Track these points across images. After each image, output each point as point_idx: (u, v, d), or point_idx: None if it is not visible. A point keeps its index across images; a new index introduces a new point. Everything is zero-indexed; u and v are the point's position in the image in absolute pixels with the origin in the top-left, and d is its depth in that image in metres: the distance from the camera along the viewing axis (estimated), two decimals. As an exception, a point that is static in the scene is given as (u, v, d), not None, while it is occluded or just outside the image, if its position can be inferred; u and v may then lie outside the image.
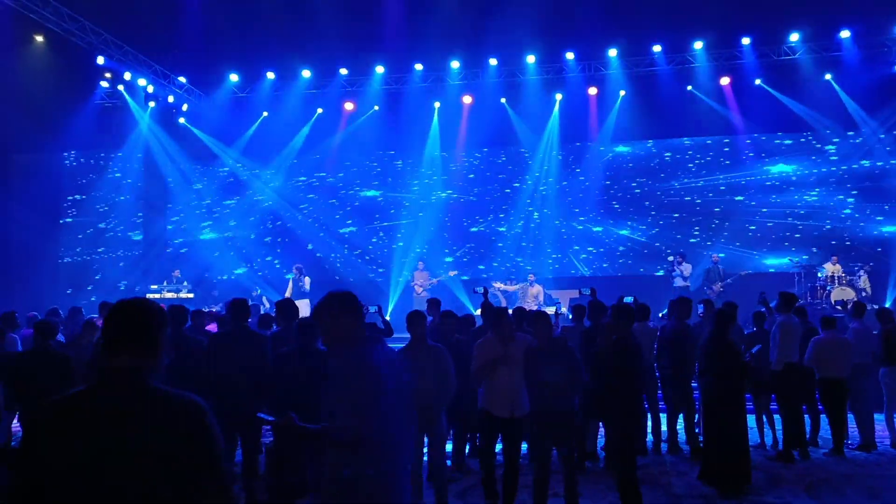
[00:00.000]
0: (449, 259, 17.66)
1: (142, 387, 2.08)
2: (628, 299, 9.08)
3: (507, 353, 5.52)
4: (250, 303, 7.13)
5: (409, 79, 17.20)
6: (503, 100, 17.29)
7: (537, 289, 14.35)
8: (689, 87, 16.67)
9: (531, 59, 16.44)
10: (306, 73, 17.07)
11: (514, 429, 5.58)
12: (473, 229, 18.15)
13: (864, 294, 13.84)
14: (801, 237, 16.73)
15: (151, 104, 17.23)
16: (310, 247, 18.38)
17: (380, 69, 17.00)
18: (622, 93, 16.91)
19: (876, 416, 8.23)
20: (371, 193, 18.83)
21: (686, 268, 14.55)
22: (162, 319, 2.23)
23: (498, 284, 15.57)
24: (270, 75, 17.12)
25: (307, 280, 15.44)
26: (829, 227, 16.63)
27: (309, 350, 5.52)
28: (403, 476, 3.18)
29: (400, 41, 15.42)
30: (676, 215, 17.36)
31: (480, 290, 7.91)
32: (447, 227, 18.13)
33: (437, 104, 17.61)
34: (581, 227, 17.79)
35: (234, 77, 17.25)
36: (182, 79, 17.13)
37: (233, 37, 15.12)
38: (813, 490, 6.48)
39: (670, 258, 15.17)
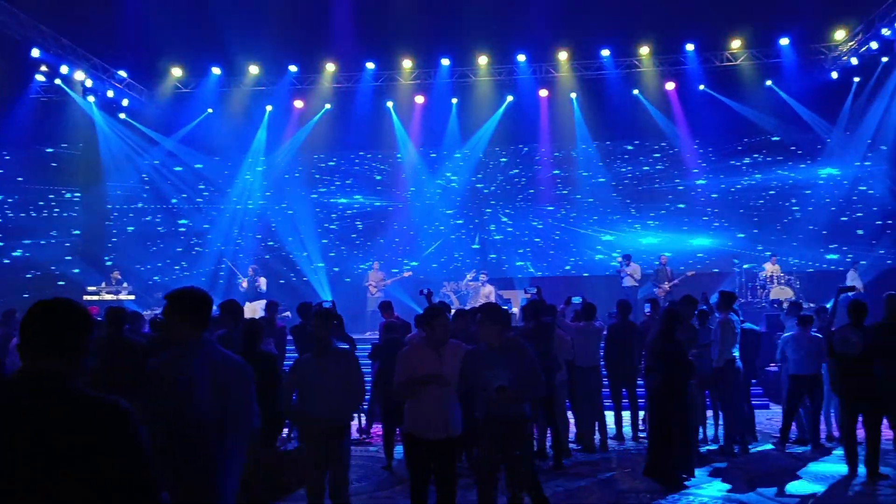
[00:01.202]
0: (417, 262, 17.57)
1: (62, 390, 2.01)
2: (576, 299, 9.23)
3: (440, 362, 4.67)
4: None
5: (361, 77, 17.08)
6: (454, 100, 17.31)
7: (489, 289, 14.41)
8: (635, 91, 16.98)
9: (483, 60, 16.52)
10: (254, 70, 16.77)
11: (450, 452, 4.75)
12: (430, 229, 18.11)
13: (857, 290, 13.94)
14: (745, 237, 17.27)
15: (91, 99, 16.67)
16: (269, 252, 18.09)
17: (331, 67, 16.83)
18: (573, 95, 17.15)
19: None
20: (325, 192, 18.64)
21: (634, 268, 14.82)
22: (85, 322, 2.14)
23: (450, 285, 15.63)
24: (216, 71, 16.76)
25: (263, 280, 15.22)
26: (778, 227, 17.17)
27: (254, 352, 5.41)
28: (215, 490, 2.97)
29: (351, 39, 15.30)
30: (631, 211, 17.68)
31: (425, 291, 7.88)
32: (403, 227, 18.09)
33: (390, 103, 17.51)
34: (534, 227, 17.95)
35: (177, 72, 16.82)
36: (122, 73, 16.62)
37: (176, 31, 14.74)
38: (752, 482, 6.66)
39: (619, 259, 15.43)
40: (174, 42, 15.36)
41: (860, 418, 6.69)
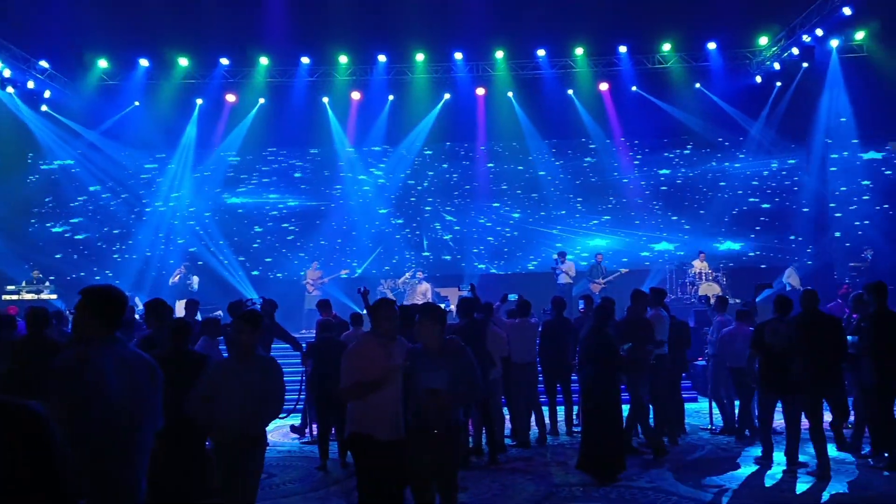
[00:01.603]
0: (356, 262, 17.34)
1: None
2: (512, 296, 9.29)
3: (391, 358, 4.36)
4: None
5: (296, 72, 16.80)
6: (391, 97, 17.22)
7: (425, 286, 14.39)
8: (570, 92, 17.26)
9: (420, 57, 16.49)
10: (183, 62, 16.28)
11: (401, 454, 4.36)
12: (371, 229, 17.96)
13: (788, 288, 14.51)
14: (678, 235, 17.76)
15: (10, 90, 15.87)
16: (193, 249, 17.59)
17: (264, 61, 16.49)
18: (510, 94, 17.30)
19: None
20: (258, 189, 18.24)
21: (569, 266, 15.04)
22: None
23: (387, 283, 15.53)
24: (144, 62, 16.21)
25: (195, 279, 14.80)
26: (708, 224, 17.72)
27: (182, 352, 5.22)
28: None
29: (285, 32, 15.04)
30: (577, 207, 17.91)
31: (361, 290, 7.78)
32: (343, 226, 17.88)
33: (325, 99, 17.27)
34: (471, 225, 18.03)
35: (102, 63, 16.19)
36: (44, 63, 15.89)
37: (102, 21, 14.20)
38: (680, 472, 6.84)
39: (554, 256, 15.64)
40: (99, 33, 14.84)
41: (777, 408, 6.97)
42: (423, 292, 14.05)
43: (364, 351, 4.39)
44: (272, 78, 16.97)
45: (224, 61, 16.51)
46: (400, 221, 18.12)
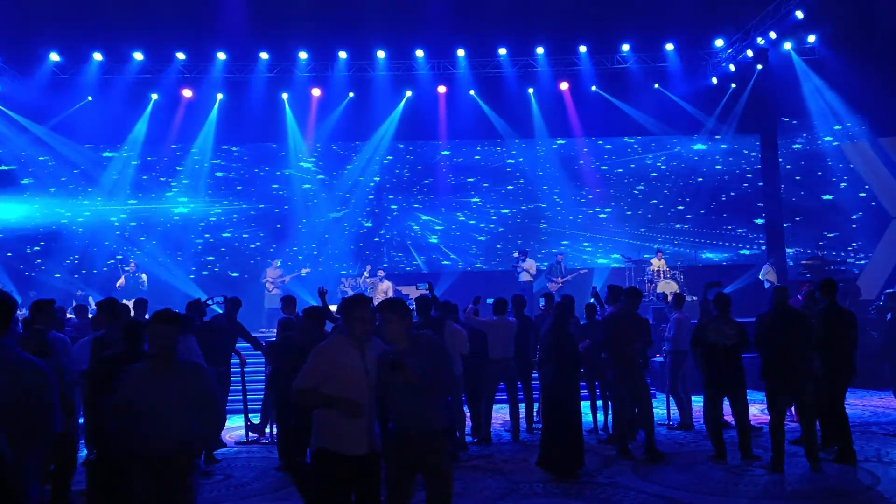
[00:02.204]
0: (340, 261, 17.15)
1: None
2: (490, 300, 9.29)
3: (364, 361, 3.89)
4: (74, 303, 6.52)
5: (254, 67, 16.55)
6: (351, 94, 17.08)
7: (386, 285, 14.32)
8: (531, 91, 17.36)
9: (381, 54, 16.40)
10: (139, 56, 15.91)
11: (375, 470, 3.95)
12: (339, 226, 17.74)
13: (767, 286, 14.69)
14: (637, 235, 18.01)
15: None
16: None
17: (221, 55, 16.21)
18: (472, 92, 17.31)
19: (694, 397, 8.93)
20: (216, 185, 17.92)
21: (530, 264, 15.15)
22: None
23: (348, 281, 15.42)
24: (97, 56, 15.79)
25: (144, 277, 14.49)
26: (670, 224, 18.00)
27: (137, 353, 5.09)
28: None
29: (243, 26, 14.79)
30: (524, 208, 18.02)
31: (321, 290, 7.70)
32: (301, 222, 17.67)
33: (284, 95, 17.05)
34: (429, 223, 17.99)
35: (54, 56, 15.72)
36: (-8, 56, 15.38)
37: (54, 12, 13.79)
38: (638, 469, 6.93)
39: (515, 255, 15.72)
40: (52, 25, 14.38)
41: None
42: (384, 290, 13.99)
43: (336, 351, 3.90)
44: (230, 73, 16.69)
45: (180, 55, 16.18)
46: (369, 224, 17.90)
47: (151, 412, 3.78)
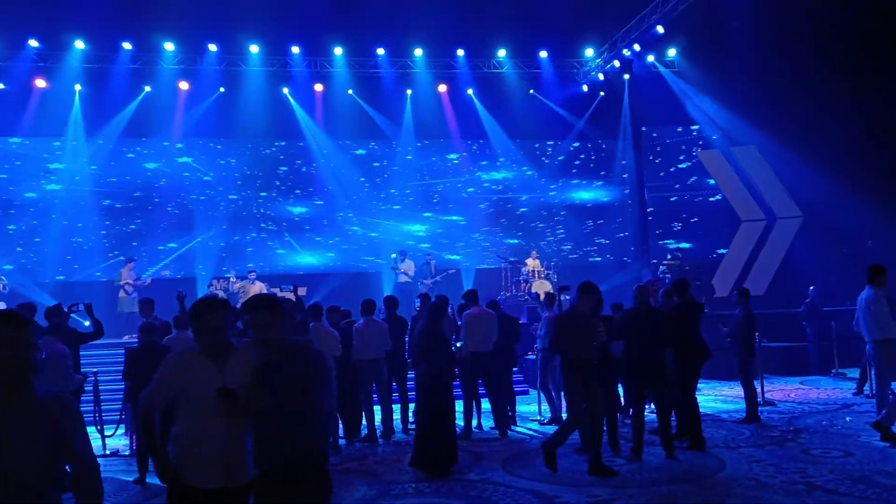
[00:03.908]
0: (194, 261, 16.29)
1: None
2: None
3: (223, 377, 3.24)
4: None
5: (116, 58, 15.58)
6: (222, 89, 16.45)
7: (259, 286, 13.83)
8: (409, 91, 17.40)
9: (254, 49, 15.90)
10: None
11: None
12: (211, 225, 16.98)
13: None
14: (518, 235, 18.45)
15: None
16: None
17: (79, 44, 15.15)
18: (349, 91, 17.13)
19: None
20: (74, 183, 16.68)
21: (408, 265, 15.17)
22: None
23: (218, 283, 14.77)
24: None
25: (4, 280, 13.28)
26: (540, 226, 18.53)
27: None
28: None
29: (104, 13, 13.90)
30: (397, 207, 18.01)
31: (179, 293, 7.32)
32: (163, 221, 16.78)
33: (148, 88, 16.14)
34: (302, 222, 17.64)
35: None
36: None
37: None
38: (508, 464, 7.07)
39: (393, 255, 15.69)
40: None
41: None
42: (257, 292, 13.51)
43: (185, 366, 3.31)
44: (90, 63, 15.62)
45: (33, 43, 14.98)
46: (254, 235, 17.25)
47: None
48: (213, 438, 3.19)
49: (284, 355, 3.35)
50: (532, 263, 16.12)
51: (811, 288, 13.20)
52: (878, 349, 7.55)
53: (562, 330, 6.62)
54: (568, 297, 8.88)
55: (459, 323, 9.13)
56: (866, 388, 10.20)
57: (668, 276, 15.01)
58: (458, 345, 8.66)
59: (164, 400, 3.32)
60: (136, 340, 8.07)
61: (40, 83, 15.52)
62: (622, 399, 8.23)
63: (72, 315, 8.18)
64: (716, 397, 10.65)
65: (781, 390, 11.16)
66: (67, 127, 16.07)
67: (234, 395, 3.14)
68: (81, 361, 7.90)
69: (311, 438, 3.35)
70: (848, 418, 8.67)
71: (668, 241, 18.25)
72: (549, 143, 18.80)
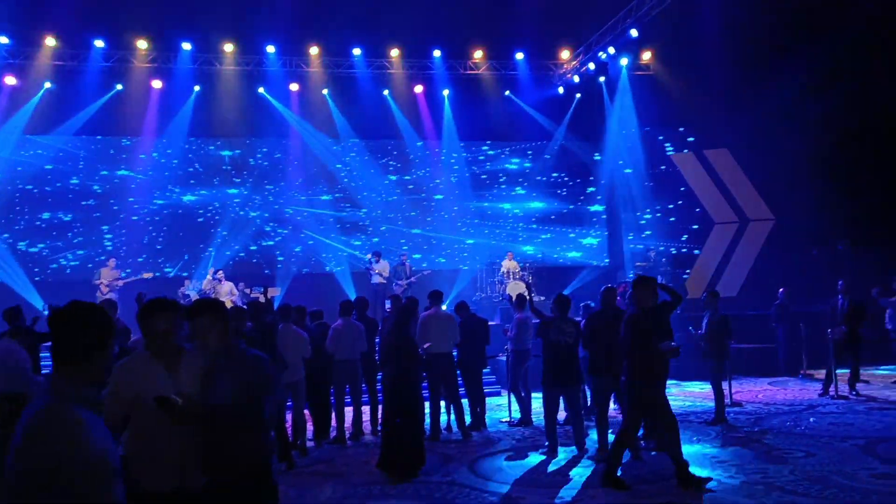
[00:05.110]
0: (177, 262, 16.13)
1: None
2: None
3: (175, 381, 3.22)
4: None
5: (88, 56, 15.40)
6: (196, 88, 16.31)
7: (228, 286, 13.70)
8: (385, 92, 17.37)
9: (229, 47, 15.79)
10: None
11: None
12: (158, 220, 16.81)
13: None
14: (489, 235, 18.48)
15: None
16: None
17: (51, 41, 14.94)
18: (325, 91, 17.06)
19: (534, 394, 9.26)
20: (45, 180, 16.45)
21: (383, 265, 15.12)
22: None
23: (190, 283, 14.66)
24: None
25: None
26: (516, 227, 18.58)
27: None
28: None
29: (76, 11, 13.72)
30: (362, 210, 17.96)
31: (139, 296, 7.24)
32: (133, 219, 16.61)
33: (119, 86, 15.95)
34: (276, 223, 17.54)
35: None
36: None
37: None
38: (475, 465, 7.09)
39: (368, 256, 15.64)
40: None
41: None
42: (227, 293, 13.41)
43: (133, 371, 3.23)
44: (61, 61, 15.42)
45: (3, 39, 14.76)
46: (226, 234, 17.08)
47: None
48: (165, 442, 3.14)
49: (224, 361, 3.30)
50: (507, 264, 16.15)
51: (781, 290, 13.36)
52: None
53: (636, 335, 6.11)
54: (542, 299, 8.97)
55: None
56: (832, 388, 10.38)
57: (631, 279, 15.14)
58: (426, 346, 8.66)
59: (120, 416, 3.20)
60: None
61: (10, 80, 15.30)
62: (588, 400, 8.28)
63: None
64: (685, 398, 10.75)
65: (750, 391, 11.28)
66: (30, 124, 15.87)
67: (170, 402, 3.04)
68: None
69: (252, 445, 3.29)
70: (812, 419, 8.79)
71: (639, 244, 18.38)
72: (524, 144, 18.84)
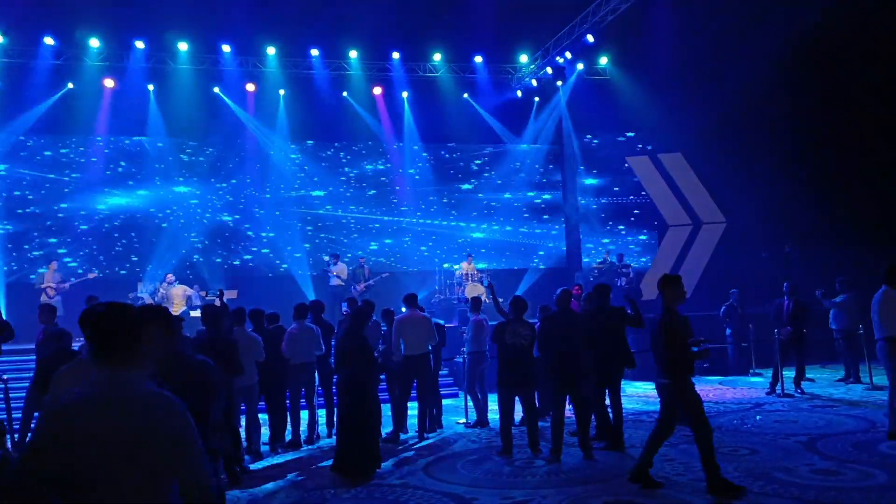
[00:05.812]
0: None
1: None
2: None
3: None
4: None
5: (37, 53, 15.00)
6: (150, 86, 16.02)
7: (181, 289, 13.44)
8: (345, 94, 17.30)
9: (183, 46, 15.55)
10: None
11: None
12: (102, 219, 16.44)
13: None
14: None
15: None
16: None
17: (-3, 38, 14.56)
18: (282, 92, 16.93)
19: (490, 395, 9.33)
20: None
21: (341, 268, 15.07)
22: None
23: (145, 287, 14.38)
24: None
25: None
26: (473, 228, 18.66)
27: None
28: None
29: (25, 7, 13.40)
30: (320, 210, 17.88)
31: (89, 298, 7.11)
32: (77, 219, 16.23)
33: (71, 84, 15.58)
34: (235, 226, 17.32)
35: None
36: None
37: None
38: (430, 467, 7.12)
39: (325, 258, 15.58)
40: None
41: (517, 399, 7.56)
42: (180, 296, 13.16)
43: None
44: (10, 59, 14.99)
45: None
46: (182, 234, 16.78)
47: None
48: None
49: (168, 369, 3.27)
50: (466, 267, 16.24)
51: (732, 291, 13.69)
52: (888, 346, 7.22)
53: (671, 335, 6.06)
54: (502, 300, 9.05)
55: (384, 329, 9.16)
56: (778, 387, 10.69)
57: (592, 279, 15.38)
58: (381, 348, 8.68)
59: None
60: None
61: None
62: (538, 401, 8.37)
63: None
64: (639, 398, 10.94)
65: (701, 390, 11.42)
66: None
67: None
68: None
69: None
70: (758, 417, 9.04)
71: (598, 246, 18.64)
72: (483, 146, 18.94)
